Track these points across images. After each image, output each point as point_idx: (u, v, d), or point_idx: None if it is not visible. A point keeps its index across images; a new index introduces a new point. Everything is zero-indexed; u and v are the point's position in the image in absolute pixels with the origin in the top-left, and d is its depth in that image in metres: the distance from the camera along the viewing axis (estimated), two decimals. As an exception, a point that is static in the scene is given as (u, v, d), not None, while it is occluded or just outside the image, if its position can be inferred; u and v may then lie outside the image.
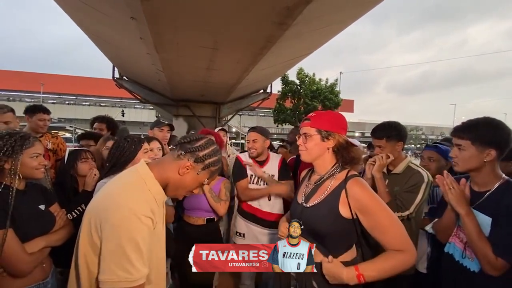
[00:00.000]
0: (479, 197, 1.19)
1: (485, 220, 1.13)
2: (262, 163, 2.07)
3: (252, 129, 2.11)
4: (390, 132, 1.65)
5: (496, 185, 1.16)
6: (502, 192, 1.13)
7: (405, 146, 1.78)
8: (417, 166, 1.68)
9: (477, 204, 1.18)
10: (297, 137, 1.22)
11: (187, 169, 0.91)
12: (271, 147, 2.18)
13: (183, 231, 1.90)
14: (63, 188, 1.61)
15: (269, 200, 1.98)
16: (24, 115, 2.32)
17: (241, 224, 2.05)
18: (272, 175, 2.02)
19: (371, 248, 1.15)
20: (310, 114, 1.21)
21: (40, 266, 1.18)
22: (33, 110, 2.30)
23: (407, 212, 1.54)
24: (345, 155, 1.14)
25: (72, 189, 1.65)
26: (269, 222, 1.96)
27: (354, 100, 39.44)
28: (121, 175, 0.93)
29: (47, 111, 2.34)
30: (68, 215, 1.40)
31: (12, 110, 2.11)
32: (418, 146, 40.08)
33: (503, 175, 1.19)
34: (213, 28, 3.07)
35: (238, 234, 2.04)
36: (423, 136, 42.12)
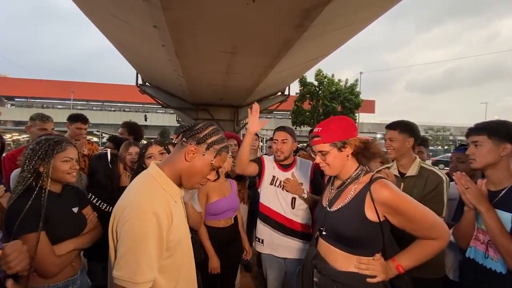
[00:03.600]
0: (496, 195, 1.19)
1: (505, 217, 1.12)
2: (287, 167, 1.88)
3: (281, 128, 1.88)
4: (404, 126, 1.67)
5: None
6: None
7: (432, 148, 1.73)
8: (429, 165, 1.65)
9: (494, 202, 1.18)
10: (312, 154, 1.22)
11: (193, 153, 0.93)
12: (296, 150, 1.97)
13: (212, 236, 1.82)
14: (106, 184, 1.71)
15: (293, 208, 1.82)
16: (63, 119, 2.52)
17: (260, 228, 1.90)
18: (300, 183, 1.80)
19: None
20: (316, 130, 1.18)
21: (69, 265, 1.23)
22: (74, 118, 2.51)
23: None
24: (366, 154, 1.14)
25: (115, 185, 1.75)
26: (291, 230, 1.81)
27: (375, 100, 38.26)
28: (135, 179, 0.98)
29: (85, 121, 2.53)
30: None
31: (52, 121, 2.34)
32: (446, 147, 38.03)
33: None
34: (231, 33, 3.12)
35: (257, 239, 1.92)
36: (451, 137, 39.85)
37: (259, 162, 1.92)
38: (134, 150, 1.90)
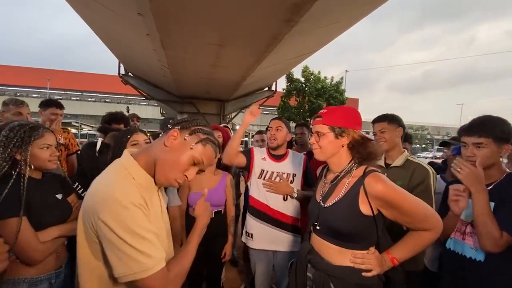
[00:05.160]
0: None
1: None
2: (279, 158, 1.88)
3: (277, 117, 1.95)
4: (390, 117, 1.72)
5: (501, 178, 1.21)
6: (507, 183, 1.18)
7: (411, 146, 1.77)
8: (416, 159, 1.68)
9: None
10: (309, 136, 1.20)
11: (174, 138, 0.84)
12: (291, 144, 1.97)
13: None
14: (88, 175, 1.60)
15: (285, 200, 1.82)
16: (38, 109, 2.34)
17: (251, 223, 1.89)
18: (293, 175, 1.83)
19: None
20: (322, 111, 1.16)
21: (54, 255, 1.18)
22: (47, 104, 2.30)
23: None
24: (361, 151, 1.11)
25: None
26: (281, 223, 1.81)
27: (358, 99, 39.19)
28: (105, 170, 0.90)
29: (60, 106, 2.34)
30: None
31: (28, 107, 2.16)
32: (423, 146, 39.69)
33: (507, 169, 1.24)
34: (220, 24, 3.06)
35: (247, 234, 1.91)
36: (428, 136, 41.70)
37: (248, 154, 1.90)
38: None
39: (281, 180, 1.80)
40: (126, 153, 0.90)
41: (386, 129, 1.69)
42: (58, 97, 31.58)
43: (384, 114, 1.75)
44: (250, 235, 1.89)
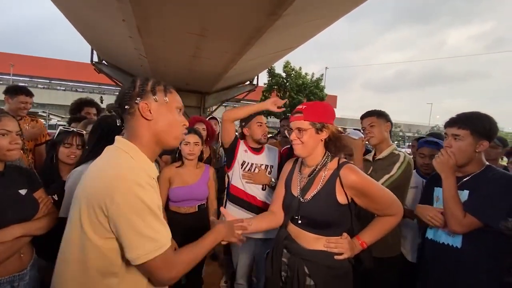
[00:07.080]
0: (461, 179, 1.28)
1: (463, 194, 1.24)
2: (258, 151, 2.00)
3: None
4: (378, 112, 1.78)
5: (480, 170, 1.27)
6: (483, 173, 1.25)
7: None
8: (400, 151, 1.72)
9: (459, 184, 1.27)
10: (286, 132, 1.24)
11: (147, 107, 0.85)
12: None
13: (173, 221, 1.81)
14: (44, 174, 1.49)
15: (263, 189, 1.92)
16: (4, 95, 2.13)
17: (231, 211, 1.91)
18: (271, 166, 1.96)
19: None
20: (300, 107, 1.19)
21: (17, 255, 1.08)
22: (15, 91, 2.10)
23: None
24: (338, 144, 1.17)
25: (53, 175, 1.51)
26: (262, 210, 1.84)
27: (337, 96, 40.21)
28: (102, 157, 0.86)
29: (30, 94, 2.16)
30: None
31: None
32: (396, 142, 41.75)
33: (486, 162, 1.29)
34: (201, 14, 2.96)
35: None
36: (400, 133, 43.89)
37: (235, 141, 1.96)
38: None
39: (259, 171, 1.86)
40: (120, 138, 0.88)
41: (375, 123, 1.73)
42: (23, 84, 29.16)
43: (372, 110, 1.81)
44: None
